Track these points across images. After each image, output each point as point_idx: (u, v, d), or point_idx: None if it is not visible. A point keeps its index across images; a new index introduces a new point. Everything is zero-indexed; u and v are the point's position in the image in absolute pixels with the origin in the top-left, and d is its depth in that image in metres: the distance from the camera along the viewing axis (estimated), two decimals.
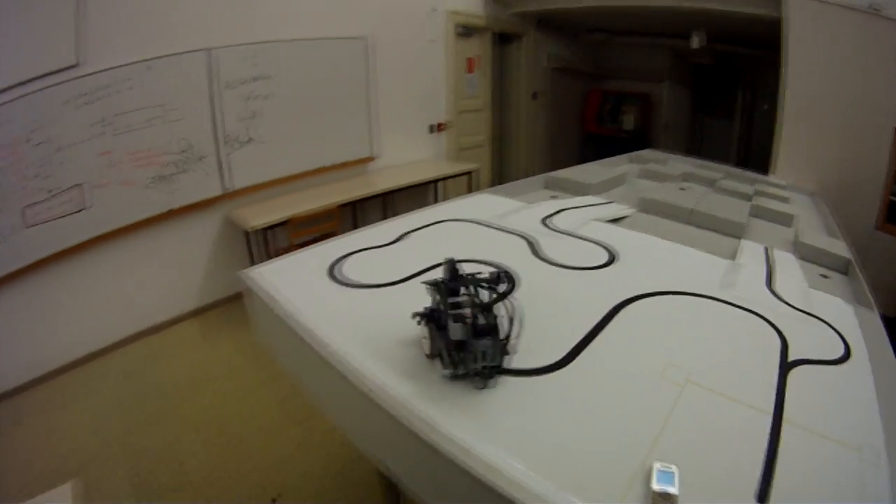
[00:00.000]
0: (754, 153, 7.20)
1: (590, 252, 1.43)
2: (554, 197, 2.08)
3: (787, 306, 1.17)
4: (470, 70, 4.77)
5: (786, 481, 0.63)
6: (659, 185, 2.50)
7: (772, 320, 1.08)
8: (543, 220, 1.68)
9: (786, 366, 0.91)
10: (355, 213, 3.97)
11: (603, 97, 7.12)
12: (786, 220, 2.18)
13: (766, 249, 1.66)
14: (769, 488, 0.60)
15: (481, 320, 0.83)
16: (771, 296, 1.23)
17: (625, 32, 6.62)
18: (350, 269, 1.24)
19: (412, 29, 4.10)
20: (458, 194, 4.89)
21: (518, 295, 1.10)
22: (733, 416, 0.77)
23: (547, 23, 5.59)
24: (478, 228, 1.58)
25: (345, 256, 1.31)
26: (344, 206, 3.28)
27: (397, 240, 1.45)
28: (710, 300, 1.16)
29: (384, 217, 3.61)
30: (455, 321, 0.81)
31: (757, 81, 7.02)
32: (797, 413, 0.77)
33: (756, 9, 3.81)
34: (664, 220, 1.95)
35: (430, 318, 0.92)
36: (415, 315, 0.93)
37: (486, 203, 1.87)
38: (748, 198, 2.40)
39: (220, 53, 2.84)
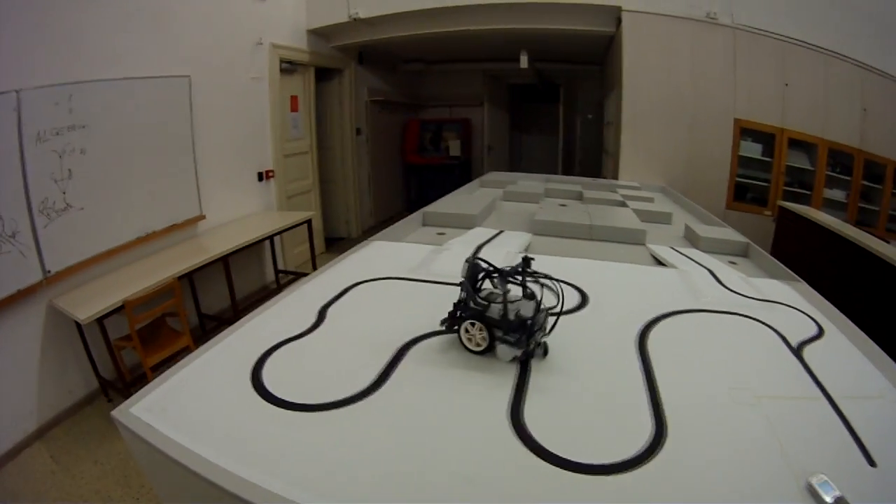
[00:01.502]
0: (579, 163, 9.71)
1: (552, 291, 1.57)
2: (441, 234, 2.58)
3: (750, 300, 1.66)
4: (294, 109, 5.46)
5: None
6: (527, 205, 3.38)
7: (755, 316, 1.51)
8: (474, 258, 1.97)
9: (796, 353, 1.29)
10: (193, 285, 4.21)
11: (422, 127, 8.58)
12: (665, 218, 3.19)
13: (675, 250, 2.35)
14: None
15: (531, 294, 1.26)
16: (731, 294, 1.72)
17: (442, 61, 8.19)
18: (280, 379, 1.15)
19: (235, 66, 4.78)
20: (295, 246, 5.46)
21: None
22: (813, 412, 1.03)
23: (367, 56, 6.68)
24: (407, 286, 1.73)
25: (262, 359, 1.24)
26: (181, 277, 3.59)
27: (319, 321, 1.46)
28: (702, 313, 1.54)
29: (230, 286, 4.08)
30: (529, 298, 1.23)
31: (574, 95, 9.42)
32: (835, 388, 1.12)
33: (592, 26, 5.52)
34: (565, 239, 2.58)
35: (455, 317, 1.29)
36: (447, 320, 1.30)
37: (382, 253, 2.12)
38: (622, 204, 3.47)
39: (30, 96, 3.02)
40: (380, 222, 8.09)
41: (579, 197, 3.70)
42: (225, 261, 4.05)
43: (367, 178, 7.50)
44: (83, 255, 3.40)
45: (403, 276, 1.80)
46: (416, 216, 2.83)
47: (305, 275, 5.17)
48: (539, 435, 0.93)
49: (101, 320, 3.09)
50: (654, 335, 1.38)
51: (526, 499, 0.79)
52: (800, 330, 1.44)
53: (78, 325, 3.18)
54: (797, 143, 5.83)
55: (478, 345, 1.24)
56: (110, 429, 3.25)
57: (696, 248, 2.54)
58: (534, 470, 0.85)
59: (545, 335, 1.24)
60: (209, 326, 4.40)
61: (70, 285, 3.33)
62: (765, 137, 5.74)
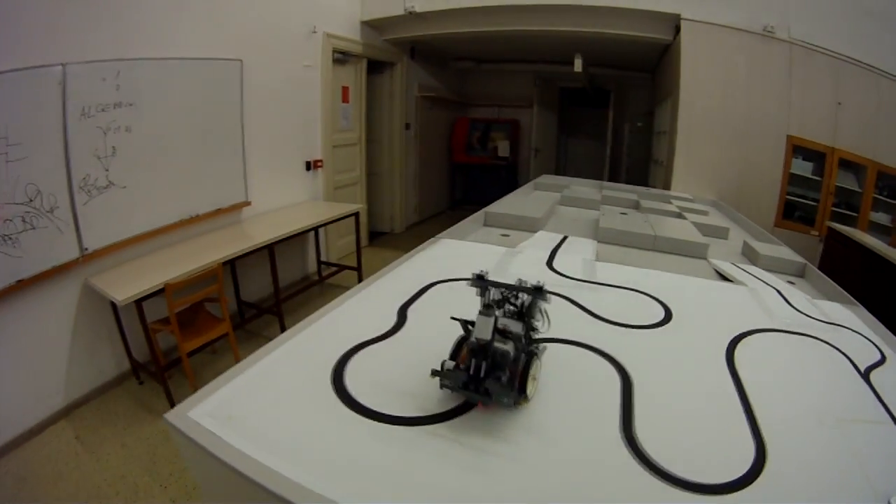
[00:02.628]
0: (626, 171, 9.28)
1: (635, 302, 1.63)
2: (505, 235, 2.50)
3: (816, 321, 1.60)
4: (345, 100, 5.20)
5: None
6: (586, 211, 3.26)
7: (824, 338, 1.45)
8: (550, 266, 1.93)
9: (865, 378, 1.23)
10: (235, 271, 4.00)
11: (471, 126, 8.24)
12: (722, 233, 3.02)
13: (737, 266, 2.30)
14: None
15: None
16: (799, 314, 1.65)
17: (492, 60, 7.83)
18: (365, 386, 1.01)
19: (288, 53, 4.53)
20: (339, 238, 5.22)
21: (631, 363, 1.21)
22: (887, 436, 1.02)
23: (418, 51, 6.45)
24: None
25: (343, 362, 1.10)
26: (224, 263, 3.34)
27: (400, 322, 1.32)
28: (778, 333, 1.48)
29: (273, 275, 3.83)
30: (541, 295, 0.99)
31: (624, 102, 8.99)
32: None
33: (649, 32, 5.22)
34: (628, 249, 2.46)
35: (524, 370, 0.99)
36: (501, 387, 0.93)
37: (453, 253, 2.02)
38: (679, 216, 3.26)
39: (76, 70, 2.83)
40: (424, 219, 7.84)
41: (636, 206, 3.49)
42: (270, 249, 3.81)
43: (413, 174, 7.23)
44: (123, 234, 3.20)
45: (481, 276, 1.63)
46: (479, 216, 2.71)
47: (349, 268, 5.02)
48: (649, 450, 0.89)
49: (139, 302, 2.86)
50: (739, 353, 1.32)
51: None
52: (865, 354, 1.39)
53: (113, 305, 2.98)
54: (846, 164, 5.46)
55: (533, 379, 0.99)
56: (140, 412, 3.05)
57: (755, 265, 2.42)
58: (648, 485, 0.81)
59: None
60: (248, 314, 4.19)
61: (108, 264, 3.13)
62: (815, 156, 5.39)
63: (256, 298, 4.40)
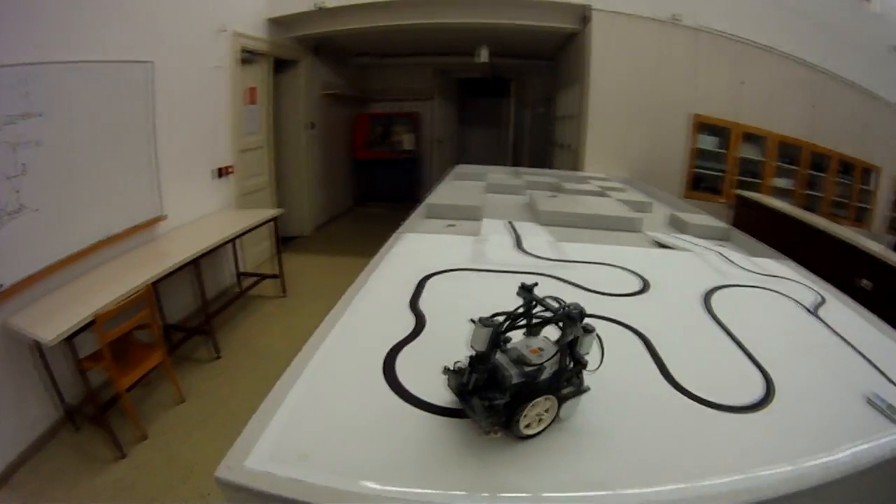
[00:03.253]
0: (528, 155, 9.71)
1: (613, 275, 1.84)
2: (451, 225, 2.58)
3: (760, 275, 1.93)
4: (252, 101, 5.05)
5: None
6: (514, 197, 3.49)
7: (772, 288, 1.79)
8: (521, 249, 2.09)
9: (816, 315, 1.60)
10: (157, 293, 3.78)
11: (372, 121, 8.29)
12: (646, 207, 3.37)
13: (674, 236, 2.60)
14: None
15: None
16: (746, 271, 1.98)
17: (393, 54, 7.92)
18: (428, 385, 1.00)
19: (197, 53, 4.37)
20: (254, 246, 5.07)
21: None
22: (845, 356, 1.34)
23: (323, 48, 6.38)
24: (481, 277, 1.72)
25: (389, 365, 1.09)
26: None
27: (419, 319, 1.32)
28: (734, 288, 1.78)
29: (202, 293, 3.85)
30: (587, 332, 0.90)
31: (523, 89, 9.47)
32: (852, 338, 1.43)
33: (556, 23, 5.63)
34: (569, 228, 2.65)
35: (516, 400, 0.86)
36: (491, 414, 0.84)
37: (424, 246, 2.08)
38: (601, 194, 3.60)
39: None
40: (331, 219, 7.77)
41: (558, 188, 3.78)
42: (196, 264, 3.65)
43: (318, 175, 7.12)
44: (40, 263, 2.93)
45: (471, 268, 1.79)
46: (421, 209, 2.80)
47: (270, 277, 4.88)
48: (688, 386, 1.10)
49: (69, 339, 2.64)
50: (714, 307, 1.58)
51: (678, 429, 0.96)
52: (808, 298, 1.75)
53: (38, 345, 2.72)
54: (749, 137, 6.22)
55: (539, 420, 0.88)
56: (85, 462, 2.83)
57: (685, 233, 2.75)
58: (697, 411, 1.02)
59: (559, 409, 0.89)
60: (176, 338, 3.95)
61: (25, 300, 2.84)
62: (720, 131, 6.07)
63: (178, 319, 4.18)
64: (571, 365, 0.89)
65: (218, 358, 3.90)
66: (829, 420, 1.06)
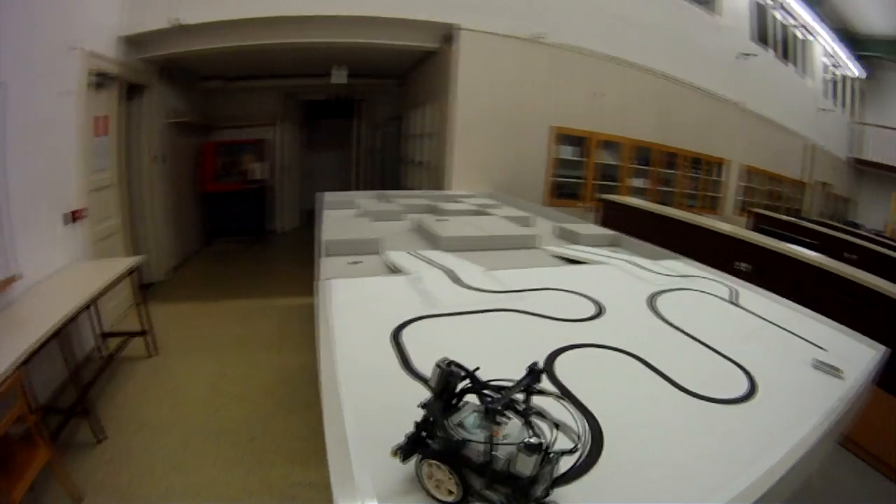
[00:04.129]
0: (378, 175, 10.22)
1: (564, 299, 2.01)
2: (355, 262, 2.60)
3: (674, 277, 2.36)
4: (102, 132, 4.67)
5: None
6: (397, 223, 3.72)
7: (693, 287, 2.21)
8: (460, 284, 2.15)
9: (736, 304, 2.06)
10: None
11: (219, 150, 8.06)
12: (529, 221, 3.74)
13: (574, 248, 2.94)
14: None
15: (535, 438, 0.85)
16: (661, 275, 2.36)
17: (242, 77, 7.77)
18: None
19: (41, 75, 3.92)
20: (109, 301, 4.68)
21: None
22: (774, 333, 1.81)
23: (170, 71, 6.17)
24: (451, 322, 1.74)
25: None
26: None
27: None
28: (666, 293, 2.14)
29: (76, 367, 3.62)
30: (529, 452, 0.81)
31: (370, 110, 9.93)
32: (773, 318, 1.93)
33: (417, 42, 5.99)
34: (473, 252, 2.82)
35: (417, 444, 0.93)
36: (397, 450, 0.92)
37: (362, 293, 2.02)
38: (480, 212, 3.97)
39: None
40: (183, 261, 7.34)
41: (434, 210, 4.08)
42: (66, 332, 3.31)
43: (168, 212, 6.68)
44: None
45: (434, 314, 1.78)
46: (320, 247, 2.81)
47: (138, 334, 4.47)
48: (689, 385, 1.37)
49: None
50: (665, 313, 1.89)
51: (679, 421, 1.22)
52: (722, 291, 2.20)
53: None
54: (607, 144, 7.13)
55: (449, 492, 0.90)
56: None
57: (577, 243, 3.13)
58: (681, 401, 1.30)
59: (548, 484, 0.89)
60: (54, 424, 3.45)
61: None
62: (579, 140, 6.89)
63: (46, 398, 3.72)
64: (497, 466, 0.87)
65: (102, 440, 3.48)
66: (799, 388, 1.42)
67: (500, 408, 0.89)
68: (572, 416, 1.04)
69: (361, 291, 2.03)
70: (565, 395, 1.27)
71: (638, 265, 2.54)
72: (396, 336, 1.57)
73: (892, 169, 14.79)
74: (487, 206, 4.28)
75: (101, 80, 4.75)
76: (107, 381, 4.16)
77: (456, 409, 0.95)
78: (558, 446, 0.91)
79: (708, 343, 1.65)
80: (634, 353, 1.54)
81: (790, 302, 2.16)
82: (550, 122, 6.53)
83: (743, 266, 4.26)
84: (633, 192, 7.45)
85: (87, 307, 3.66)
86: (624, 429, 1.14)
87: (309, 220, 9.67)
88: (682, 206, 7.92)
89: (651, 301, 2.02)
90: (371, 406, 1.16)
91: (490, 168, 6.23)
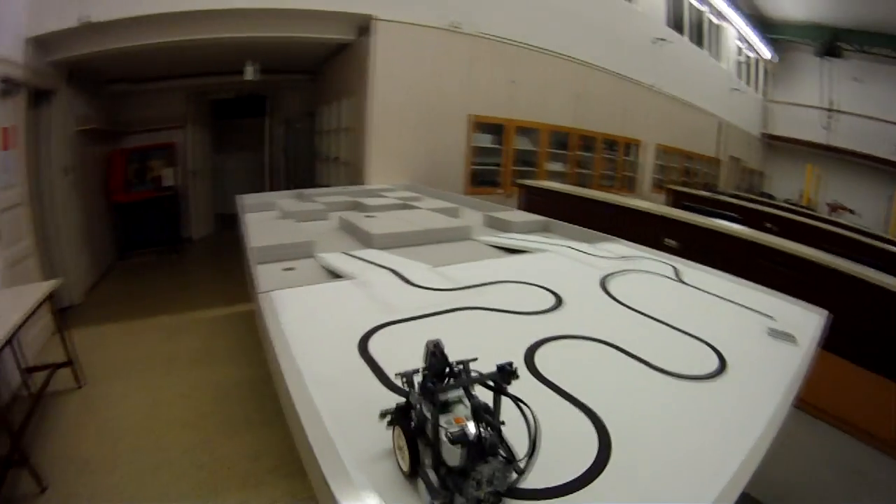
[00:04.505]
0: (292, 174, 10.28)
1: (521, 291, 2.13)
2: (289, 269, 2.56)
3: (617, 260, 2.59)
4: (10, 145, 4.54)
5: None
6: (322, 223, 3.76)
7: (639, 269, 2.45)
8: (412, 284, 2.16)
9: (682, 282, 2.30)
10: None
11: (128, 157, 7.94)
12: (454, 211, 3.94)
13: (508, 237, 3.11)
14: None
15: (485, 435, 0.88)
16: (603, 258, 2.59)
17: (151, 79, 7.65)
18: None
19: None
20: (24, 331, 4.40)
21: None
22: (727, 307, 2.05)
23: (78, 75, 6.10)
24: (418, 326, 1.76)
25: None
26: None
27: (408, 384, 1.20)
28: (614, 276, 2.34)
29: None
30: (453, 441, 0.85)
31: (280, 106, 9.96)
32: (720, 293, 2.19)
33: (331, 34, 6.10)
34: (407, 248, 2.89)
35: (404, 418, 1.00)
36: (383, 414, 1.03)
37: (313, 303, 1.98)
38: (405, 206, 4.08)
39: None
40: (99, 278, 7.12)
41: (356, 207, 4.20)
42: None
43: (80, 228, 6.48)
44: None
45: (396, 319, 1.77)
46: (251, 255, 2.68)
47: (64, 365, 4.28)
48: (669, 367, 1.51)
49: None
50: (623, 298, 2.06)
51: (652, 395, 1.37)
52: (666, 270, 2.45)
53: None
54: (523, 130, 7.48)
55: (404, 459, 0.99)
56: None
57: (509, 231, 3.30)
58: (652, 378, 1.45)
59: (492, 489, 0.90)
60: None
61: None
62: (496, 128, 7.19)
63: None
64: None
65: (45, 489, 3.19)
66: (763, 358, 1.61)
67: (436, 389, 0.93)
68: (527, 423, 0.92)
69: (309, 302, 1.98)
70: (560, 392, 1.32)
71: (578, 250, 2.72)
72: (364, 349, 1.54)
73: (799, 142, 16.45)
74: (410, 200, 4.41)
75: (7, 88, 4.54)
76: (39, 420, 3.85)
77: (442, 388, 0.96)
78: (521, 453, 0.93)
79: (671, 323, 1.80)
80: (608, 340, 1.64)
81: (730, 275, 2.41)
82: (469, 110, 6.75)
83: (673, 243, 4.58)
84: (551, 176, 7.80)
85: (8, 342, 3.49)
86: (627, 422, 1.20)
87: (223, 226, 9.61)
88: (600, 188, 8.44)
89: (604, 285, 2.17)
90: (347, 413, 1.19)
91: (408, 160, 6.37)
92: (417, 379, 1.01)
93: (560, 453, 1.05)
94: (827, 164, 16.08)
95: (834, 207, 15.25)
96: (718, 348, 1.62)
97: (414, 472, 0.96)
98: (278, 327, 1.66)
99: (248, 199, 4.52)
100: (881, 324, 3.14)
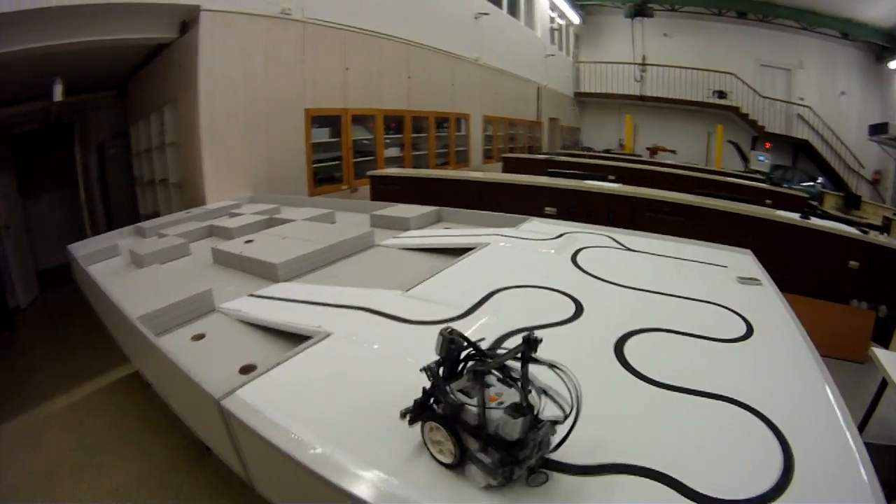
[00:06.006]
0: (113, 207, 8.97)
1: (525, 301, 2.05)
2: (200, 336, 2.10)
3: (558, 238, 2.74)
4: None
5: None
6: (188, 261, 3.25)
7: (596, 244, 2.68)
8: (401, 321, 1.94)
9: (627, 249, 2.62)
10: None
11: None
12: (330, 217, 3.81)
13: (420, 237, 3.12)
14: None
15: (524, 402, 0.97)
16: (548, 240, 2.70)
17: None
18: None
19: None
20: None
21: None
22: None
23: None
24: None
25: None
26: None
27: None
28: (588, 249, 2.57)
29: None
30: (514, 414, 0.93)
31: (88, 131, 8.64)
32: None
33: (150, 33, 5.29)
34: (320, 271, 2.66)
35: (428, 410, 1.07)
36: (404, 413, 1.10)
37: (288, 385, 1.59)
38: (274, 221, 3.83)
39: None
40: None
41: (214, 233, 3.79)
42: None
43: None
44: None
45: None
46: (138, 325, 2.16)
47: None
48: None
49: None
50: (602, 275, 2.20)
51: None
52: (603, 240, 2.68)
53: None
54: (358, 119, 7.33)
55: (450, 453, 1.03)
56: None
57: (409, 229, 3.26)
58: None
59: (541, 453, 1.02)
60: None
61: None
62: (333, 120, 6.95)
63: None
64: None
65: None
66: (757, 306, 1.87)
67: (485, 370, 1.01)
68: (566, 385, 1.02)
69: (298, 389, 1.49)
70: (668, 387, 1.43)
71: (511, 237, 2.74)
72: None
73: (612, 96, 18.44)
74: (270, 213, 4.08)
75: None
76: None
77: (460, 375, 1.07)
78: (550, 414, 1.03)
79: (674, 293, 1.98)
80: (666, 327, 1.74)
81: (657, 235, 2.64)
82: (305, 104, 6.38)
83: (553, 210, 4.78)
84: (389, 162, 7.80)
85: None
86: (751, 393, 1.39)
87: (47, 285, 7.70)
88: (436, 167, 8.80)
89: (581, 267, 2.27)
90: None
91: (248, 169, 5.82)
92: (441, 370, 1.09)
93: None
94: (643, 112, 17.96)
95: (654, 150, 16.95)
96: (738, 311, 1.83)
97: (461, 460, 1.01)
98: (288, 444, 1.23)
99: (81, 249, 3.72)
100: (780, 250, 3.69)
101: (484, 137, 11.06)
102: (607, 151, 15.46)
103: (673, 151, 16.95)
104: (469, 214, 3.31)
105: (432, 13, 8.60)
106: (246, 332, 2.02)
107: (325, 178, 6.93)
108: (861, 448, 1.16)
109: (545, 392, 1.06)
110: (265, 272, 2.57)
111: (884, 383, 2.68)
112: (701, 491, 1.03)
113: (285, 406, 1.36)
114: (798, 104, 16.79)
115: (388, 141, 7.92)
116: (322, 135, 6.76)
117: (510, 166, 8.69)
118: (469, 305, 1.91)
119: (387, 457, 1.12)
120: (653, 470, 1.08)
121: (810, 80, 16.81)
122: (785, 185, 11.25)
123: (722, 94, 17.04)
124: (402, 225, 3.25)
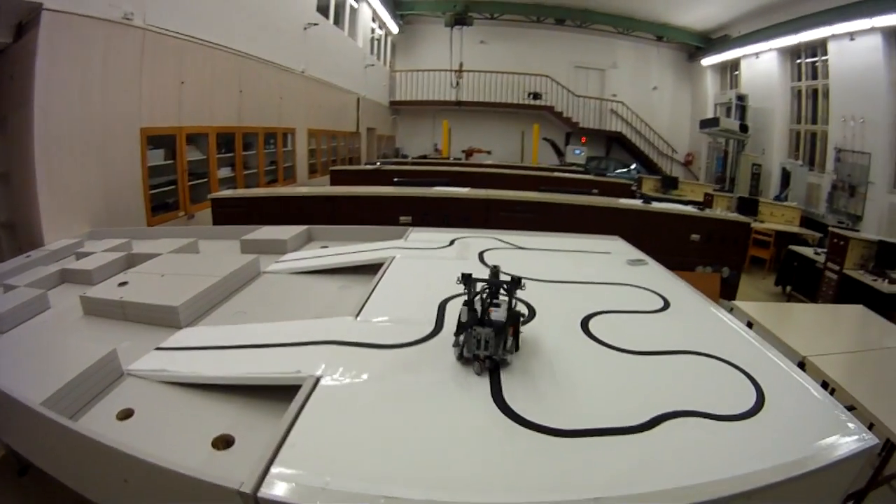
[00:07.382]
0: None
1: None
2: (128, 416, 1.63)
3: (455, 245, 2.96)
4: None
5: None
6: (56, 312, 2.59)
7: (495, 246, 2.95)
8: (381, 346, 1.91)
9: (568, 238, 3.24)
10: None
11: None
12: (193, 247, 3.41)
13: (311, 257, 3.11)
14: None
15: (494, 315, 1.53)
16: (443, 248, 2.86)
17: None
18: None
19: None
20: None
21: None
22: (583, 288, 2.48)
23: None
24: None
25: None
26: None
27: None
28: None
29: None
30: (496, 306, 1.56)
31: None
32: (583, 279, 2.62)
33: None
34: (221, 305, 2.42)
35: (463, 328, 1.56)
36: (463, 277, 1.63)
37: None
38: (135, 259, 3.14)
39: None
40: None
41: (68, 278, 3.13)
42: None
43: None
44: None
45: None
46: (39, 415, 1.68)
47: None
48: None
49: None
50: (505, 268, 2.12)
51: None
52: (494, 243, 2.92)
53: None
54: (192, 139, 6.83)
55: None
56: None
57: (287, 252, 3.12)
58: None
59: (489, 355, 1.52)
60: None
61: None
62: (167, 141, 6.27)
63: None
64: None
65: None
66: (662, 286, 2.26)
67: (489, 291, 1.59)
68: (509, 312, 1.56)
69: (328, 455, 1.22)
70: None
71: (409, 248, 2.84)
72: None
73: (418, 102, 19.46)
74: (122, 248, 3.41)
75: None
76: None
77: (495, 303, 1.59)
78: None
79: (580, 280, 2.30)
80: (607, 309, 2.02)
81: (532, 232, 2.98)
82: (142, 123, 5.69)
83: (409, 219, 5.05)
84: (223, 183, 7.31)
85: None
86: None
87: None
88: (266, 184, 8.71)
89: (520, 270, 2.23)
90: None
91: (85, 199, 5.02)
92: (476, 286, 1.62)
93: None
94: (459, 117, 19.20)
95: (469, 153, 18.39)
96: (645, 286, 2.19)
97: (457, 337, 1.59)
98: None
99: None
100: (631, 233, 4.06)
101: (308, 151, 11.13)
102: (423, 157, 16.33)
103: (488, 152, 18.58)
104: (343, 230, 3.37)
105: (265, 22, 8.37)
106: (184, 397, 1.68)
107: (159, 205, 6.18)
108: (796, 369, 1.66)
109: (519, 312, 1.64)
110: (162, 318, 2.16)
111: (749, 324, 3.36)
112: (716, 413, 1.39)
113: (337, 470, 1.15)
114: (611, 100, 19.64)
115: (220, 160, 7.38)
116: (157, 157, 6.10)
117: (340, 179, 8.79)
118: (433, 319, 1.88)
119: (479, 470, 1.18)
120: (679, 410, 1.39)
121: (623, 78, 19.65)
122: (603, 174, 12.94)
123: (537, 96, 19.03)
124: (280, 248, 3.04)
